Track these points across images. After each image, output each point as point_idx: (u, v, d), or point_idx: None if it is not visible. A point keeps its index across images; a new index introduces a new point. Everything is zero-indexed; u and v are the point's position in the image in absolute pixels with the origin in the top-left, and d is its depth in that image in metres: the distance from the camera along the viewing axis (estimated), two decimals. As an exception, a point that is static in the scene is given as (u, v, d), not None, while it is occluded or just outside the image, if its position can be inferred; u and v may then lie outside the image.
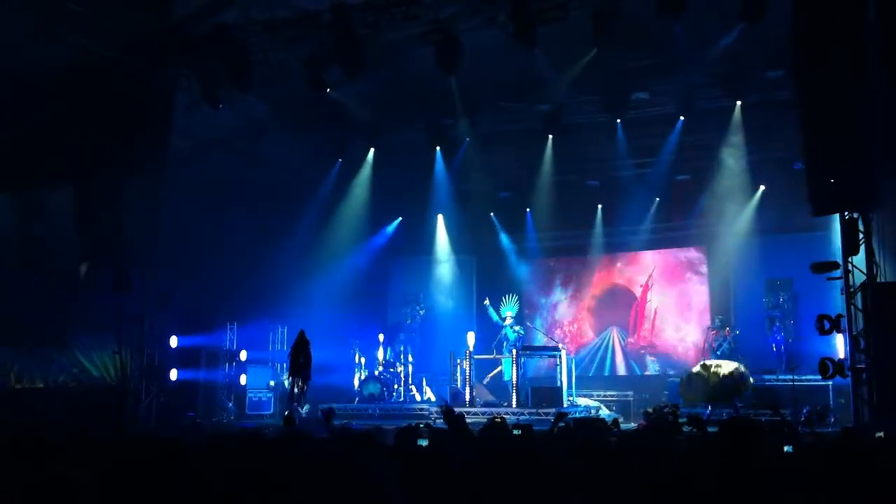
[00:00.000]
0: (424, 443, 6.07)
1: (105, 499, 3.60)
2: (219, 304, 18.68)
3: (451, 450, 5.42)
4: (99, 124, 14.95)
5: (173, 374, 16.96)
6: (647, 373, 20.34)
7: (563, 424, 7.67)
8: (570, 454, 4.74)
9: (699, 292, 20.26)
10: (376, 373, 19.45)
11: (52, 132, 14.79)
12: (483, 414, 15.94)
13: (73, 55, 14.19)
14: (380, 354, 19.73)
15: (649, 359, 20.47)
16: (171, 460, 3.55)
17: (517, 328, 19.24)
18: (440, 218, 22.02)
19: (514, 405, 17.28)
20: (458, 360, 18.37)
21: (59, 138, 14.90)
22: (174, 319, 17.04)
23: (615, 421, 13.79)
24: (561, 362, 17.74)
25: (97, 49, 14.47)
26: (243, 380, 19.32)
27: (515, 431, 7.42)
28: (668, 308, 20.60)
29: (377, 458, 4.82)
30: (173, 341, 17.12)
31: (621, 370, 20.74)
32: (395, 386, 19.44)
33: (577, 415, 15.61)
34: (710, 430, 8.22)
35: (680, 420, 10.85)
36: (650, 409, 15.15)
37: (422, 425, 6.59)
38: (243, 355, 19.48)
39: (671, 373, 19.17)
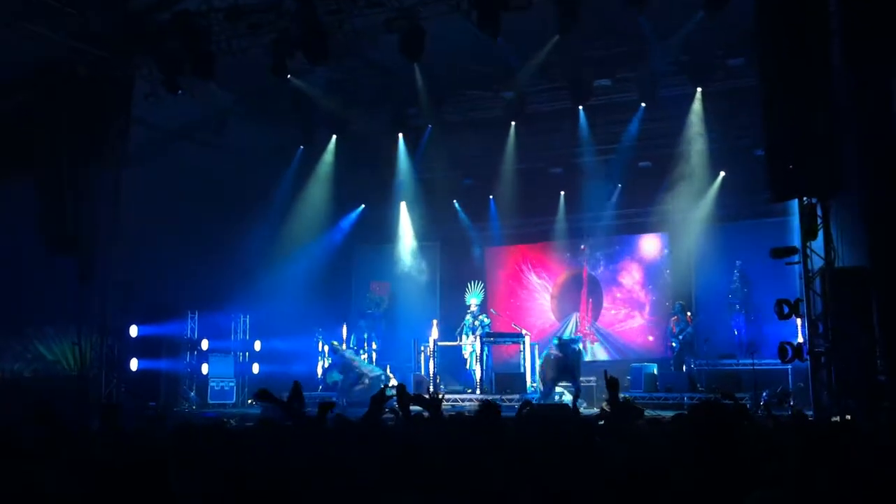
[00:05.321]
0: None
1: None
2: (180, 293, 18.51)
3: (419, 434, 5.43)
4: (59, 114, 14.75)
5: (133, 364, 16.80)
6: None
7: (527, 410, 7.70)
8: (536, 439, 4.76)
9: (660, 278, 20.40)
10: (340, 360, 19.43)
11: (10, 123, 14.56)
12: (447, 401, 16.01)
13: (31, 44, 13.95)
14: (343, 344, 19.71)
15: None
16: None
17: (482, 316, 19.27)
18: (403, 205, 21.93)
19: (477, 392, 17.36)
20: (423, 348, 18.40)
21: (18, 129, 14.68)
22: (135, 309, 16.86)
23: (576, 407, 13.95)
24: (525, 348, 17.84)
25: (56, 38, 14.24)
26: (205, 369, 19.21)
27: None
28: (627, 294, 20.74)
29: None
30: (133, 331, 16.95)
31: (585, 356, 20.79)
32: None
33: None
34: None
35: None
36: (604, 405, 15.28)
37: (387, 410, 6.57)
38: (205, 344, 19.36)
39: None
